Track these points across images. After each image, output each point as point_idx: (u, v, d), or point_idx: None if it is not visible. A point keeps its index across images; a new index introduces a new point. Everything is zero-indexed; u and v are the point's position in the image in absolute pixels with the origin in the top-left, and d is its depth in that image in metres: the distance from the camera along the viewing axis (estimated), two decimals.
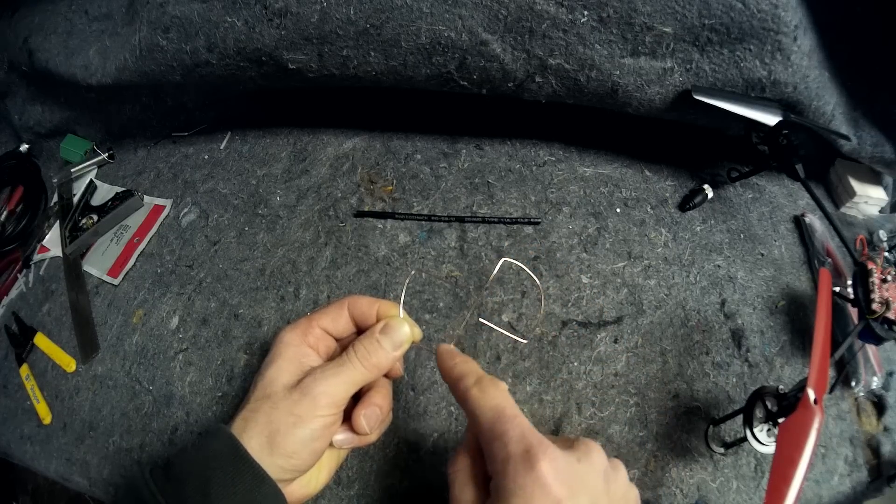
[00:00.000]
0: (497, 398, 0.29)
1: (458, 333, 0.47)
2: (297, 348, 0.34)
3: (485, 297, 0.49)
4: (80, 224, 0.58)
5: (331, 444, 0.33)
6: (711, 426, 0.42)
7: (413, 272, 0.41)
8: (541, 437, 0.27)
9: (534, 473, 0.25)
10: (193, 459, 0.29)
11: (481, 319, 0.46)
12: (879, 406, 0.44)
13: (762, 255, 0.52)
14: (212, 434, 0.31)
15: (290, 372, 0.33)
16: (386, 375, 0.36)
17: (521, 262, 0.51)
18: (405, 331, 0.34)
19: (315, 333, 0.35)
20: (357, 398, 0.34)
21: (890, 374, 0.46)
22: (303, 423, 0.30)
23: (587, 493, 0.26)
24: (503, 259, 0.42)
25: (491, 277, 0.48)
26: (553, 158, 0.58)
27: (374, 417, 0.34)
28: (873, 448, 0.43)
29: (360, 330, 0.36)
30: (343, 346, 0.37)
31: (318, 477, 0.34)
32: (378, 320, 0.35)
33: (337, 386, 0.32)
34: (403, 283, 0.48)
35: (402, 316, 0.35)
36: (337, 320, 0.36)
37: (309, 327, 0.35)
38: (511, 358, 0.46)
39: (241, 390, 0.46)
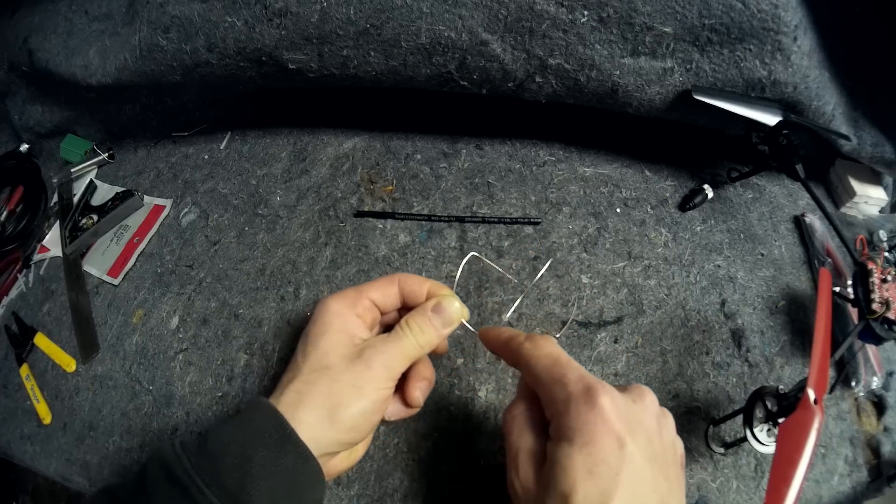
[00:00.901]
0: (550, 347, 0.30)
1: (459, 333, 0.47)
2: (347, 318, 0.34)
3: (485, 297, 0.49)
4: (80, 224, 0.58)
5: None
6: (711, 426, 0.42)
7: (471, 254, 0.43)
8: (600, 380, 0.28)
9: (595, 409, 0.26)
10: (233, 435, 0.28)
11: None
12: (879, 406, 0.44)
13: (762, 255, 0.52)
14: (254, 409, 0.30)
15: (344, 343, 0.33)
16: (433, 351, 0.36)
17: (521, 262, 0.51)
18: (456, 308, 0.35)
19: (364, 304, 0.35)
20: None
21: (890, 374, 0.46)
22: (364, 395, 0.31)
23: (643, 432, 0.27)
24: (550, 260, 0.44)
25: (538, 276, 0.49)
26: (553, 158, 0.58)
27: (426, 389, 0.35)
28: (873, 448, 0.43)
29: (406, 306, 0.37)
30: (385, 323, 0.37)
31: (359, 448, 0.34)
32: (428, 299, 0.35)
33: (396, 359, 0.32)
34: (459, 264, 0.48)
35: (453, 294, 0.35)
36: (386, 294, 0.36)
37: (358, 297, 0.35)
38: None
39: (241, 390, 0.46)
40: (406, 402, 0.35)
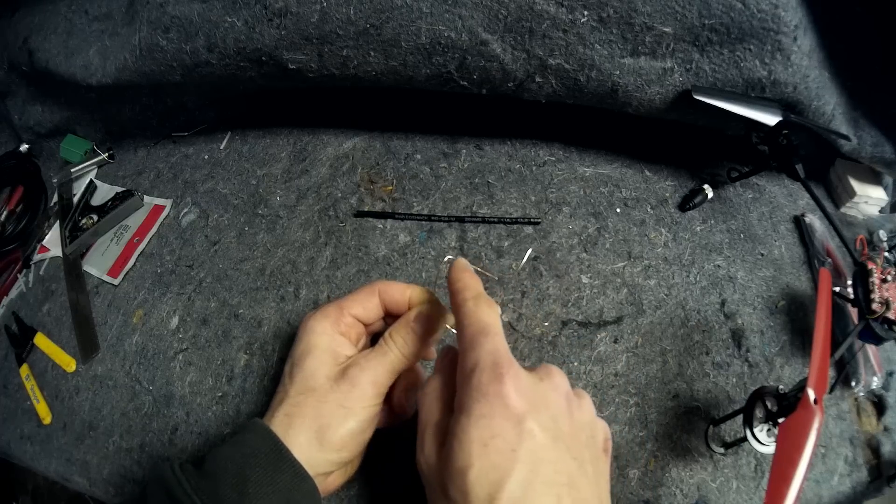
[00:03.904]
0: (488, 316, 0.29)
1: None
2: (331, 337, 0.34)
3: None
4: (80, 224, 0.58)
5: None
6: (711, 426, 0.42)
7: (448, 257, 0.41)
8: (511, 358, 0.27)
9: (497, 383, 0.26)
10: (230, 456, 0.29)
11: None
12: (879, 406, 0.44)
13: (762, 255, 0.52)
14: (249, 430, 0.30)
15: (328, 363, 0.32)
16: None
17: (521, 262, 0.51)
18: (440, 316, 0.34)
19: (346, 321, 0.35)
20: None
21: (890, 374, 0.46)
22: (353, 415, 0.31)
23: (548, 410, 0.26)
24: (529, 249, 0.43)
25: (523, 261, 0.48)
26: (553, 158, 0.58)
27: (415, 396, 0.35)
28: (873, 448, 0.43)
29: (389, 314, 0.36)
30: (371, 332, 0.37)
31: (354, 463, 0.34)
32: (410, 307, 0.35)
33: (382, 375, 0.32)
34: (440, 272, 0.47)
35: (436, 301, 0.35)
36: (368, 307, 0.35)
37: (340, 315, 0.35)
38: None
39: (240, 390, 0.46)
40: (395, 410, 0.35)
